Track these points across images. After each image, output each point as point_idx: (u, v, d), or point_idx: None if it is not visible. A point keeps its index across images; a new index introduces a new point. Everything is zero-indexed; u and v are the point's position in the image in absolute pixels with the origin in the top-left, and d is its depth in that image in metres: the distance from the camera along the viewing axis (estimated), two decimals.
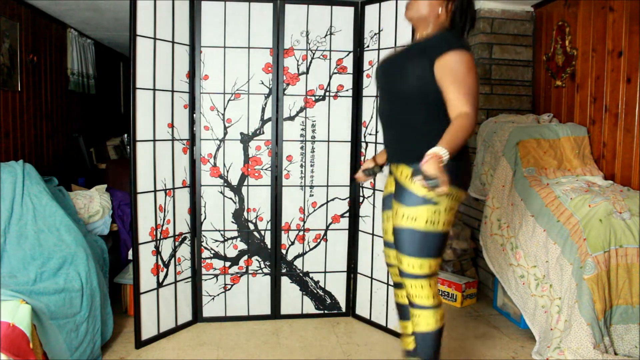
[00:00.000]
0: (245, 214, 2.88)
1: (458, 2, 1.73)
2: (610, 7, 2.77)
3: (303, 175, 2.90)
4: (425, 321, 1.78)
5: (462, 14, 1.73)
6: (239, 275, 2.92)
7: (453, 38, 1.68)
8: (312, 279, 2.97)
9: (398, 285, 2.04)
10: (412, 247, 1.70)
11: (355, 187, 2.92)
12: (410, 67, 1.70)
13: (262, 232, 2.91)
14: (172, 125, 2.69)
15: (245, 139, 2.85)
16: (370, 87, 2.83)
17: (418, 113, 1.72)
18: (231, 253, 2.89)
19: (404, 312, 2.06)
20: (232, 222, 2.88)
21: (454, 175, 1.66)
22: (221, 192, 2.85)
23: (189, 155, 2.81)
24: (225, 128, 2.82)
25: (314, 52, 2.83)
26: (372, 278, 2.88)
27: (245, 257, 2.91)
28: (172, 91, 2.67)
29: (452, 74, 1.58)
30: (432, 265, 1.72)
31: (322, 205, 2.93)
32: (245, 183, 2.87)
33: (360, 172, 2.12)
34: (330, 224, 2.95)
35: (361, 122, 2.88)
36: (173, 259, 2.75)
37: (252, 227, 2.90)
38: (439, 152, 1.43)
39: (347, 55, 2.85)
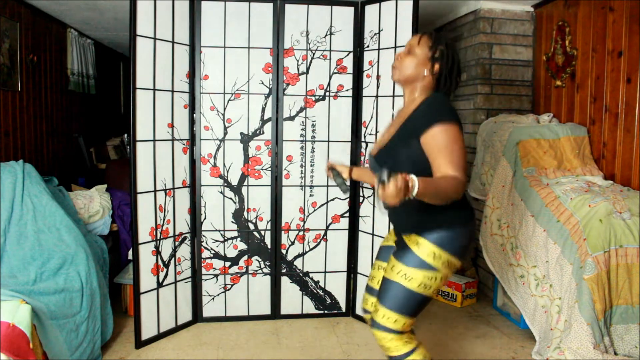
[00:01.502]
0: (245, 214, 2.88)
1: (443, 65, 1.71)
2: (610, 7, 2.77)
3: (303, 175, 2.90)
4: None
5: (447, 76, 1.72)
6: (239, 275, 2.92)
7: (438, 108, 1.66)
8: (312, 279, 2.97)
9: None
10: (394, 302, 1.71)
11: (355, 187, 2.92)
12: (399, 150, 1.70)
13: (262, 232, 2.91)
14: (172, 125, 2.69)
15: (245, 139, 2.85)
16: (370, 87, 2.83)
17: None
18: (231, 253, 2.89)
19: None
20: (232, 222, 2.88)
21: (453, 243, 1.67)
22: (221, 192, 2.85)
23: (189, 155, 2.81)
24: (225, 128, 2.82)
25: (314, 52, 2.83)
26: None
27: (245, 257, 2.91)
28: (172, 91, 2.67)
29: (437, 147, 1.59)
30: (406, 323, 1.73)
31: (322, 205, 2.93)
32: (245, 183, 2.87)
33: (330, 169, 2.03)
34: (330, 224, 2.95)
35: (361, 122, 2.88)
36: (173, 259, 2.75)
37: (252, 227, 2.90)
38: (412, 177, 1.41)
39: (347, 55, 2.85)
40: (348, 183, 2.01)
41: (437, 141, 1.59)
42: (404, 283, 1.69)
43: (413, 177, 1.40)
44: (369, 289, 1.99)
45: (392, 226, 1.92)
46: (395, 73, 1.78)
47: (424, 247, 1.68)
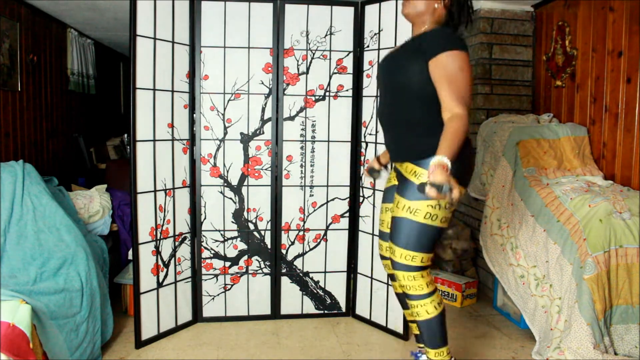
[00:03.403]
0: (245, 214, 2.88)
1: None
2: (610, 7, 2.77)
3: (303, 175, 2.90)
4: (424, 310, 1.79)
5: (458, 9, 1.73)
6: (239, 275, 2.92)
7: (447, 36, 1.67)
8: (312, 279, 2.97)
9: (393, 277, 2.05)
10: (407, 239, 1.72)
11: (355, 187, 2.92)
12: (407, 65, 1.71)
13: (262, 232, 2.91)
14: (172, 125, 2.69)
15: (245, 139, 2.85)
16: (370, 87, 2.83)
17: (417, 110, 1.73)
18: (231, 253, 2.89)
19: (404, 301, 2.06)
20: (232, 222, 2.88)
21: (453, 172, 1.67)
22: (221, 192, 2.85)
23: (189, 155, 2.81)
24: (225, 128, 2.82)
25: (314, 52, 2.83)
26: (372, 278, 2.88)
27: (245, 257, 2.91)
28: (172, 91, 2.67)
29: (445, 73, 1.59)
30: (424, 258, 1.74)
31: (322, 205, 2.93)
32: (245, 183, 2.87)
33: (368, 172, 2.13)
34: (330, 224, 2.95)
35: (361, 122, 2.88)
36: (173, 259, 2.75)
37: (252, 227, 2.90)
38: (443, 161, 1.44)
39: (347, 55, 2.85)
40: (382, 171, 2.09)
41: (445, 68, 1.60)
42: (410, 217, 1.70)
43: (443, 161, 1.44)
44: (381, 235, 2.01)
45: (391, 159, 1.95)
46: (407, 6, 1.77)
47: (422, 177, 1.68)
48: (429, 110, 1.69)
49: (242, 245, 2.90)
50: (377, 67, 1.97)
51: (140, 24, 2.47)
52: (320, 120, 2.87)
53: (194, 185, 2.83)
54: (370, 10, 2.78)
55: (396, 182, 1.88)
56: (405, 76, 1.71)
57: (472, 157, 1.83)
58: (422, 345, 2.03)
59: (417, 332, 2.06)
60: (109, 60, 5.14)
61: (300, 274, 2.96)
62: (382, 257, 2.04)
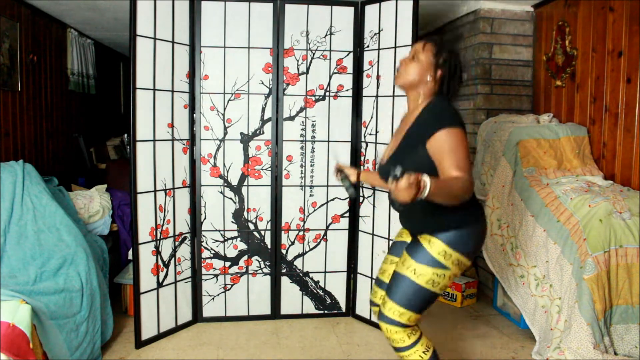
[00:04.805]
0: (245, 214, 2.88)
1: (446, 70, 1.75)
2: (610, 7, 2.77)
3: (303, 175, 2.90)
4: (413, 358, 1.79)
5: (449, 81, 1.75)
6: (239, 275, 2.92)
7: (441, 113, 1.70)
8: (312, 279, 2.97)
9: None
10: (402, 297, 1.75)
11: (355, 187, 2.92)
12: (407, 156, 1.74)
13: (262, 232, 2.91)
14: (172, 125, 2.69)
15: (245, 139, 2.85)
16: (370, 87, 2.83)
17: None
18: (231, 253, 2.89)
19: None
20: (232, 222, 2.88)
21: (464, 243, 1.71)
22: (221, 192, 2.85)
23: (189, 155, 2.81)
24: (225, 128, 2.82)
25: (314, 52, 2.83)
26: (372, 278, 2.88)
27: (245, 257, 2.91)
28: (172, 91, 2.67)
29: (443, 149, 1.63)
30: (411, 318, 1.77)
31: (322, 205, 2.93)
32: (245, 183, 2.87)
33: (338, 172, 2.04)
34: (330, 224, 2.95)
35: (361, 122, 2.88)
36: (173, 259, 2.75)
37: (252, 227, 2.90)
38: (424, 177, 1.42)
39: (347, 55, 2.85)
40: (352, 186, 2.03)
41: (442, 145, 1.62)
42: (413, 278, 1.74)
43: (425, 177, 1.42)
44: (378, 282, 2.02)
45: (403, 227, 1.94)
46: (400, 78, 1.82)
47: (435, 246, 1.72)
48: None
49: (242, 245, 2.90)
50: (378, 165, 1.96)
51: (140, 24, 2.47)
52: (320, 120, 2.87)
53: (194, 185, 2.83)
54: (370, 10, 2.78)
55: (407, 240, 1.91)
56: (408, 168, 1.70)
57: (481, 227, 1.81)
58: None
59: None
60: (109, 60, 5.14)
61: (300, 274, 2.96)
62: (372, 303, 2.04)
